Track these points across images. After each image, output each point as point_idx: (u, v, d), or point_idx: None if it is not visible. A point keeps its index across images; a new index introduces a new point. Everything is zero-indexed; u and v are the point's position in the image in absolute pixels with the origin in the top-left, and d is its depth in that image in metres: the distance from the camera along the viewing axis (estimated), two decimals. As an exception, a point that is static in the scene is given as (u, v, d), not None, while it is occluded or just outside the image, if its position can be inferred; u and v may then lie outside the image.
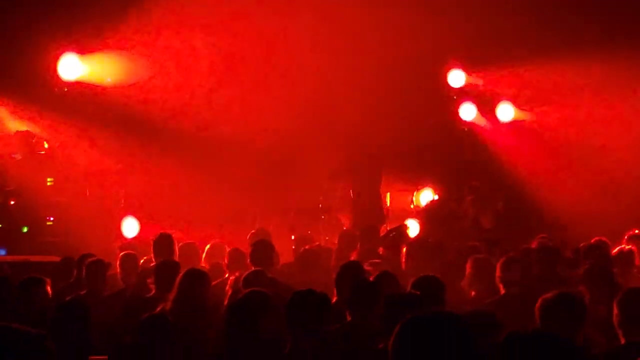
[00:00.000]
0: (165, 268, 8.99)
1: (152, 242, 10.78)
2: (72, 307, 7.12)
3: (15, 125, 15.95)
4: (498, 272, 8.71)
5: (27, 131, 15.41)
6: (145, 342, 6.55)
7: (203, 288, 7.97)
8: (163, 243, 10.52)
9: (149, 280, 9.30)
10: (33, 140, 15.38)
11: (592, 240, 10.92)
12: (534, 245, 10.76)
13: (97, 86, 16.24)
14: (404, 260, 10.30)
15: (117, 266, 10.23)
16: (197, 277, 8.06)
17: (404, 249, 10.44)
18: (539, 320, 5.97)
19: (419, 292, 6.83)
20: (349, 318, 7.02)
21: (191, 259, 10.59)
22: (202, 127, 16.32)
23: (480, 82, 17.93)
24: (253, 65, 16.58)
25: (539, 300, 6.11)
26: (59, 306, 7.15)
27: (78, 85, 16.11)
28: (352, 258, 10.51)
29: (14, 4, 15.55)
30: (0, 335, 3.46)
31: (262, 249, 9.95)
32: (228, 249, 10.53)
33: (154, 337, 6.57)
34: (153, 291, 8.91)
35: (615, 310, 6.33)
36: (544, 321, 5.94)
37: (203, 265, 10.71)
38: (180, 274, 8.06)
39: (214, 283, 9.02)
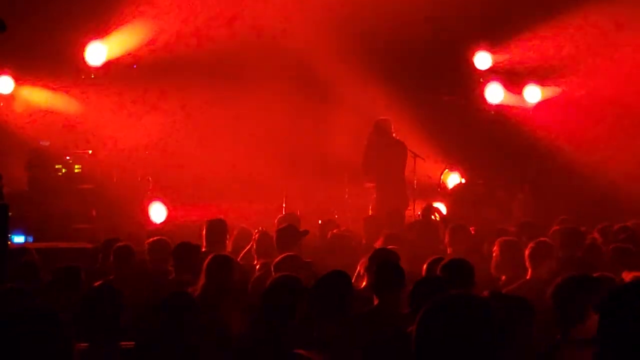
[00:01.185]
0: (184, 250, 9.08)
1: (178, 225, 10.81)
2: (103, 292, 7.11)
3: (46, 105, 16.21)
4: (527, 255, 8.65)
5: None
6: (170, 321, 6.55)
7: (230, 272, 7.99)
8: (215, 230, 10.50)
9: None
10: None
11: (629, 223, 10.85)
12: (555, 227, 10.70)
13: (122, 65, 16.47)
14: (447, 243, 10.32)
15: (146, 252, 10.24)
16: (224, 262, 8.09)
17: (447, 234, 10.46)
18: (552, 305, 5.87)
19: (446, 276, 6.84)
20: (375, 302, 7.03)
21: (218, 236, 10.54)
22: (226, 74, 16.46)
23: (504, 57, 17.74)
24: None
25: (552, 286, 6.03)
26: (89, 291, 7.14)
27: (104, 68, 16.32)
28: (377, 245, 10.47)
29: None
30: (17, 315, 3.55)
31: (288, 234, 9.95)
32: (256, 236, 10.50)
33: (178, 314, 6.57)
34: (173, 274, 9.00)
35: None
36: (555, 305, 5.84)
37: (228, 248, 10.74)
38: (207, 259, 8.08)
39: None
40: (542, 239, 9.04)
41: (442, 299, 3.45)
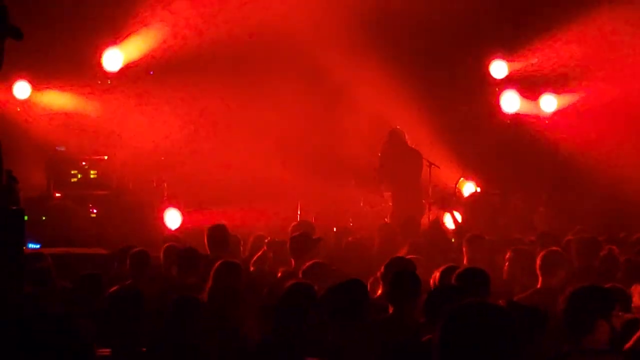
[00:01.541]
0: (187, 256, 9.29)
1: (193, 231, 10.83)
2: (128, 295, 7.09)
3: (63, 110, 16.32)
4: (538, 264, 8.60)
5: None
6: (175, 324, 6.56)
7: (237, 278, 7.99)
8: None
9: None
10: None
11: None
12: (569, 237, 10.65)
13: (139, 70, 16.63)
14: (463, 253, 10.30)
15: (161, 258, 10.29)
16: (232, 268, 8.09)
17: (463, 245, 10.42)
18: (562, 314, 5.85)
19: (462, 285, 6.81)
20: (390, 310, 7.00)
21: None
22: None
23: (520, 65, 17.63)
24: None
25: (564, 295, 6.01)
26: (114, 295, 7.12)
27: (121, 73, 16.49)
28: (401, 253, 10.42)
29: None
30: (34, 319, 3.58)
31: (302, 242, 9.95)
32: (268, 247, 10.53)
33: (184, 318, 6.58)
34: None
35: None
36: (566, 314, 5.82)
37: (243, 255, 10.76)
38: (216, 265, 8.09)
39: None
40: (553, 248, 8.99)
41: (462, 306, 3.47)
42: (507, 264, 9.22)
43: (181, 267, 9.22)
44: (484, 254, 10.11)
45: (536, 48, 17.31)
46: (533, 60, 17.45)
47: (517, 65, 17.68)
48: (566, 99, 17.52)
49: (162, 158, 16.23)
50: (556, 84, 17.53)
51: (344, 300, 6.66)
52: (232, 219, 13.68)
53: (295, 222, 12.66)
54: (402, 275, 7.22)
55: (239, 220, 13.92)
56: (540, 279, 8.52)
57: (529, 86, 17.71)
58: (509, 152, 17.42)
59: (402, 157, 15.01)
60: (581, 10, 16.42)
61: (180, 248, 10.05)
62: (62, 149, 15.85)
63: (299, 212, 15.83)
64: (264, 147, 16.36)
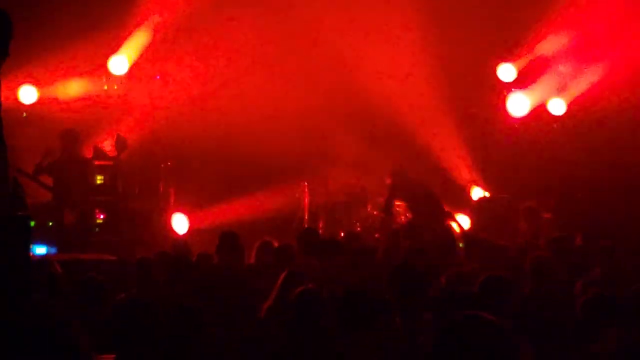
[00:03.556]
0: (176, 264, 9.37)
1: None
2: (134, 305, 7.06)
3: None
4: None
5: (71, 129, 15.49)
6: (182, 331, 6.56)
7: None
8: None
9: None
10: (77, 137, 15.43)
11: None
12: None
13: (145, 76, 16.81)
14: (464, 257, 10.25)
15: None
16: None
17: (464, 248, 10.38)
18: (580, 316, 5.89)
19: (483, 292, 6.65)
20: (398, 319, 6.73)
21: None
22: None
23: (526, 62, 17.50)
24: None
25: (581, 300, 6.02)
26: (120, 303, 7.09)
27: (128, 78, 16.67)
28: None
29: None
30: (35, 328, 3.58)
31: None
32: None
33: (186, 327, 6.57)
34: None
35: None
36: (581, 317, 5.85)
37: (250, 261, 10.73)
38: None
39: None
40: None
41: (457, 319, 3.45)
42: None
43: (171, 276, 9.21)
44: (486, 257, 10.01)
45: (538, 41, 17.12)
46: (538, 53, 17.28)
47: (523, 62, 17.49)
48: (574, 92, 17.15)
49: (169, 164, 16.17)
50: (566, 73, 17.24)
51: (364, 307, 6.46)
52: (237, 214, 13.74)
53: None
54: (408, 281, 6.93)
55: (245, 217, 13.96)
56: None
57: (538, 83, 17.53)
58: (518, 156, 17.32)
59: (411, 188, 14.93)
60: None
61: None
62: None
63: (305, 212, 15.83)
64: (267, 137, 16.17)
